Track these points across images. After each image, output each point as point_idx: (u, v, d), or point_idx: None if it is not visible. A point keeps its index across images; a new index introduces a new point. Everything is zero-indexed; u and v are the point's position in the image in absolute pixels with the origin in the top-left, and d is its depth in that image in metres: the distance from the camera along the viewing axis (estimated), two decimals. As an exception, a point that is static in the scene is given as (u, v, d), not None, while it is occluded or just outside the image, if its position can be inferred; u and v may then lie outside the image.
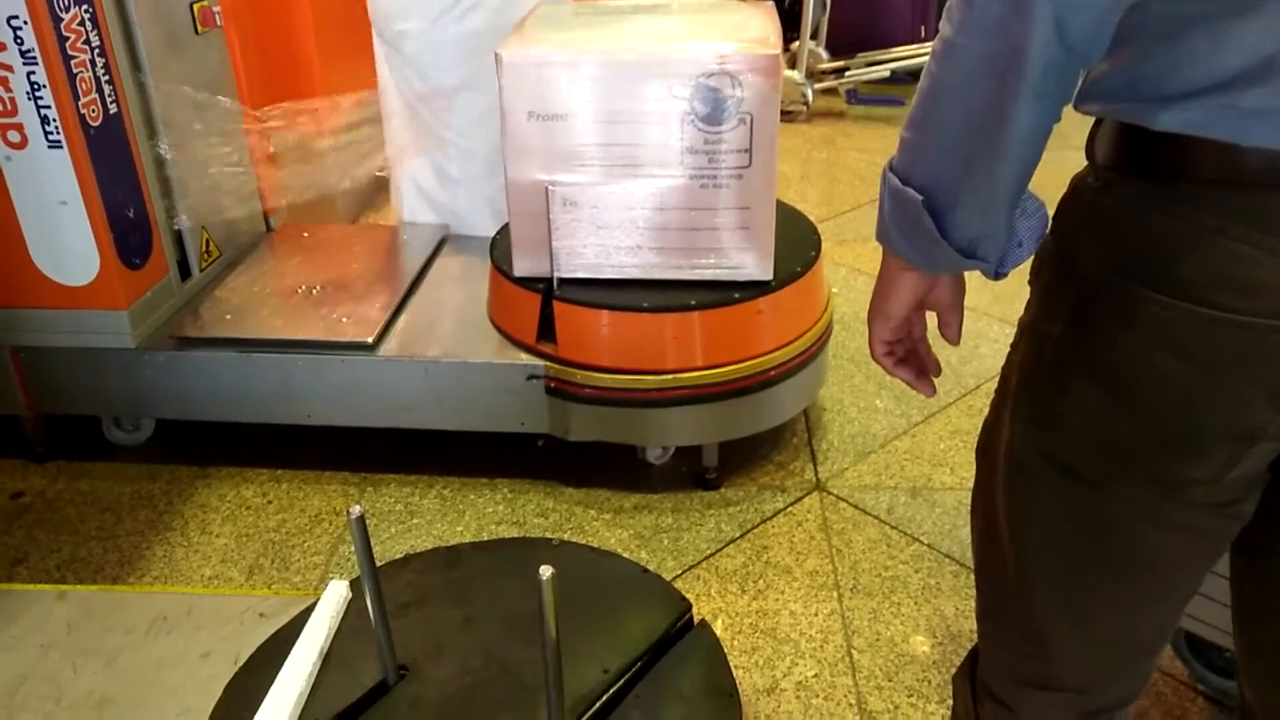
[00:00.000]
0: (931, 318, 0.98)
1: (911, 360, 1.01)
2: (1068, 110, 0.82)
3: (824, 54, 5.01)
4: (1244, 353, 0.75)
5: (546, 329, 2.15)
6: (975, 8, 0.75)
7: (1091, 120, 0.84)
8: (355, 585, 1.32)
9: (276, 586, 2.04)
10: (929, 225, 0.83)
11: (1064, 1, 0.70)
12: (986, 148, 0.79)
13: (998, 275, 0.88)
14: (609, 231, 2.06)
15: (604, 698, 1.17)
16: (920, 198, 0.83)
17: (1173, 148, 0.74)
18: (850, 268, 3.33)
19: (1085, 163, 0.85)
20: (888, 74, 4.80)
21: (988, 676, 1.09)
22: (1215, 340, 0.75)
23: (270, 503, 2.28)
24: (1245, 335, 0.74)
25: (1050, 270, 0.87)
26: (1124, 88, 0.77)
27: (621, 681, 1.19)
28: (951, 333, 0.96)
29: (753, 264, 2.08)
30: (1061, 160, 0.90)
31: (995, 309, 2.91)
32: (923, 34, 5.13)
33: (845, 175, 4.20)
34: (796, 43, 4.88)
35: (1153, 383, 0.79)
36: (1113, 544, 0.90)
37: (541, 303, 2.13)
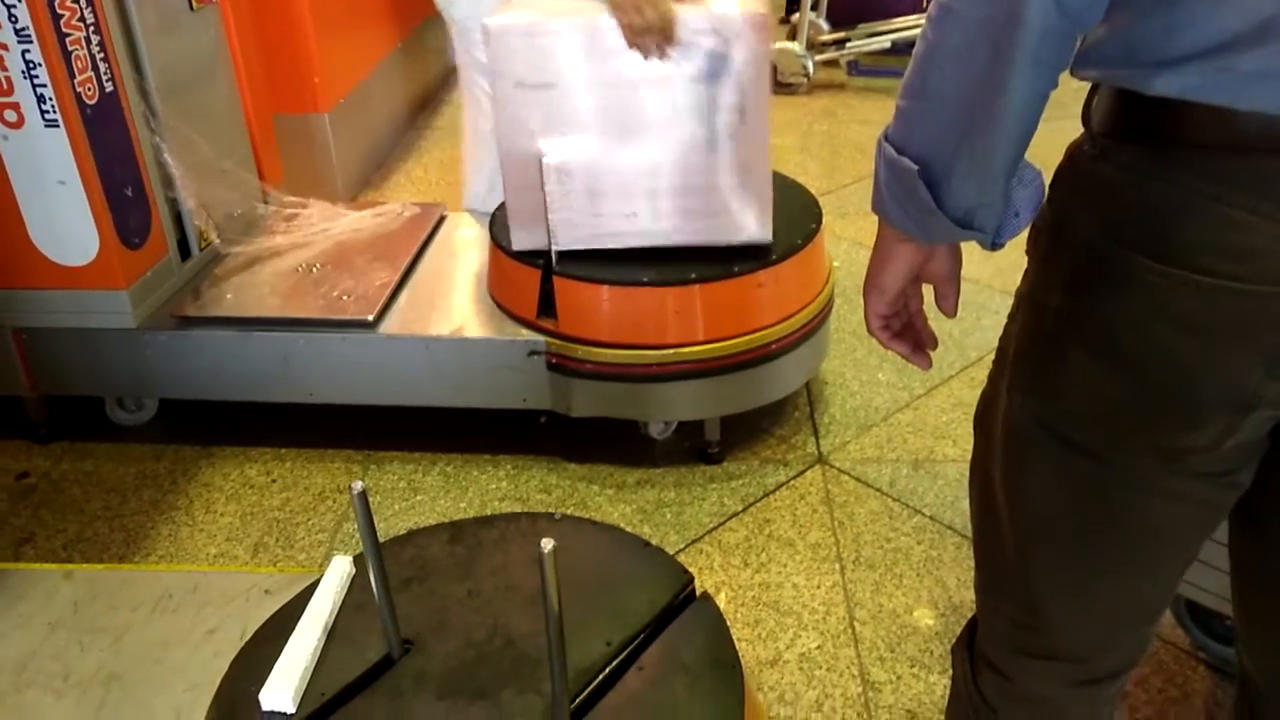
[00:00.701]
0: (928, 291, 0.97)
1: (908, 334, 1.00)
2: (1069, 80, 0.81)
3: (825, 25, 4.97)
4: (1240, 320, 0.74)
5: (547, 305, 2.14)
6: None
7: (1089, 87, 0.84)
8: (359, 561, 1.32)
9: (281, 564, 2.05)
10: (924, 195, 0.82)
11: None
12: (983, 116, 0.78)
13: (994, 246, 0.87)
14: (604, 200, 2.05)
15: (607, 670, 1.17)
16: (915, 167, 0.82)
17: (1169, 113, 0.73)
18: (852, 241, 3.32)
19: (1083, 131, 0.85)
20: (889, 45, 4.76)
21: (986, 646, 1.09)
22: (1212, 307, 0.75)
23: (274, 481, 2.29)
24: (1242, 302, 0.73)
25: (1047, 239, 0.86)
26: (1120, 53, 0.76)
27: (624, 654, 1.20)
28: (948, 305, 0.95)
29: (753, 223, 2.07)
30: (1063, 129, 0.89)
31: (997, 280, 2.90)
32: (924, 4, 5.08)
33: (846, 148, 4.18)
34: (797, 14, 4.84)
35: (1150, 351, 0.79)
36: (1110, 513, 0.90)
37: (541, 278, 2.13)
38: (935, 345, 1.01)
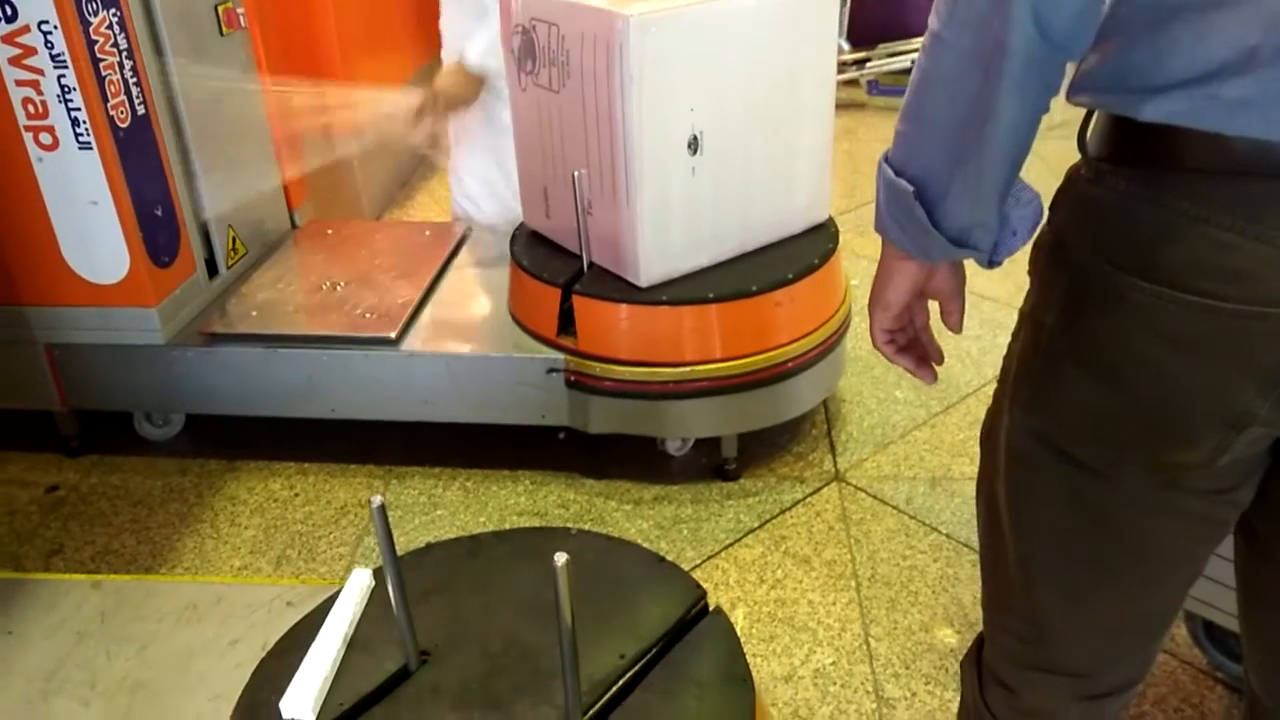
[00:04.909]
0: (935, 307, 0.99)
1: (913, 348, 1.02)
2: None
3: (845, 46, 5.00)
4: (1230, 339, 0.76)
5: (567, 323, 2.17)
6: (959, 2, 0.76)
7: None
8: (378, 573, 1.35)
9: (303, 576, 2.08)
10: (921, 215, 0.85)
11: None
12: (974, 139, 0.80)
13: (991, 264, 0.89)
14: None
15: (619, 683, 1.19)
16: (912, 189, 0.85)
17: (1159, 138, 0.75)
18: (871, 259, 3.30)
19: None
20: (908, 65, 4.78)
21: (992, 661, 1.10)
22: (1201, 327, 0.76)
23: (297, 495, 2.33)
24: (1231, 322, 0.75)
25: (1045, 259, 0.88)
26: (1111, 79, 0.78)
27: (637, 667, 1.21)
28: (953, 321, 0.97)
29: None
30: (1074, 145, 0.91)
31: (1016, 299, 2.89)
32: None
33: (866, 166, 4.19)
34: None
35: (1142, 369, 0.80)
36: (1110, 529, 0.91)
37: (562, 297, 2.16)
38: (941, 360, 1.03)
